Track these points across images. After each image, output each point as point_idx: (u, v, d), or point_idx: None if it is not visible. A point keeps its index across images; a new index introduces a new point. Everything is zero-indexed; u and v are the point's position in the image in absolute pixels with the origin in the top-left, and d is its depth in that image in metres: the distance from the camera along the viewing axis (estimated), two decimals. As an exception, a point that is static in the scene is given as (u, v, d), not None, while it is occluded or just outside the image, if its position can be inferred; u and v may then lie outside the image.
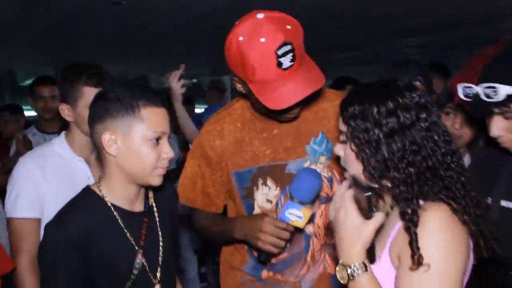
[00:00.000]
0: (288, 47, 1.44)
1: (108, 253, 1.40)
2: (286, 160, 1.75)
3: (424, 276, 1.13)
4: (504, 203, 1.55)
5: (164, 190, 1.62)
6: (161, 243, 1.52)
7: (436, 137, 1.24)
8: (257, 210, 1.81)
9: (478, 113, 1.47)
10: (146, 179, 1.42)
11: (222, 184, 1.83)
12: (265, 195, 1.77)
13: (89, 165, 2.02)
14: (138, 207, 1.51)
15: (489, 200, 1.57)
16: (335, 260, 1.78)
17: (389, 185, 1.26)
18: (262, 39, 1.43)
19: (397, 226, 1.25)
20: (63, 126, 3.41)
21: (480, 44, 1.59)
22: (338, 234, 1.24)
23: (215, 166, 1.81)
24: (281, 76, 1.45)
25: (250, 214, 1.81)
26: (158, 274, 1.50)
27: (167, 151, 1.40)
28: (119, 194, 1.44)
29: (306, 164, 1.77)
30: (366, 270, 1.18)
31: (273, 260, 1.79)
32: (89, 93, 1.88)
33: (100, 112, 1.39)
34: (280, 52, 1.43)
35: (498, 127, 1.46)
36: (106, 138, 1.37)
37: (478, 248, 1.26)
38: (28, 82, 11.03)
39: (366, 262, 1.19)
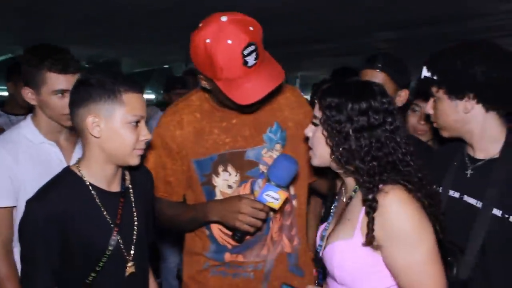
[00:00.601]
0: (253, 47, 1.55)
1: (85, 230, 1.48)
2: (245, 147, 1.85)
3: (407, 247, 1.32)
4: (451, 192, 1.69)
5: (140, 172, 1.72)
6: (135, 223, 1.61)
7: (398, 139, 1.42)
8: (218, 195, 1.89)
9: (420, 90, 1.72)
10: (126, 159, 1.52)
11: (182, 172, 1.90)
12: (226, 181, 1.86)
13: (60, 147, 2.00)
14: (115, 187, 1.59)
15: (440, 189, 1.72)
16: (291, 240, 1.93)
17: (353, 170, 1.43)
18: (229, 41, 1.53)
19: (363, 209, 1.40)
20: (30, 108, 3.34)
21: (450, 42, 1.70)
22: None
23: (175, 156, 1.88)
24: (246, 73, 1.57)
25: (209, 199, 1.89)
26: (132, 252, 1.59)
27: (145, 134, 1.52)
28: (98, 174, 1.54)
29: (263, 152, 1.88)
30: None
31: (235, 243, 1.87)
32: (53, 79, 1.86)
33: (83, 97, 1.47)
34: (245, 52, 1.54)
35: (429, 106, 1.70)
36: (90, 121, 1.45)
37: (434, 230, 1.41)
38: (-5, 61, 10.73)
39: None
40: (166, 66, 13.67)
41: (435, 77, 1.62)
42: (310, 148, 1.54)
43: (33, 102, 1.94)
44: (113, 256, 1.52)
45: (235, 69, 1.56)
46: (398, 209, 1.33)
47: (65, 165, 1.90)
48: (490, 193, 1.52)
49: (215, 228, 1.89)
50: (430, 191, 1.43)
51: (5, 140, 1.95)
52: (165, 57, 12.25)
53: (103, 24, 7.28)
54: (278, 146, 1.88)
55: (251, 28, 1.56)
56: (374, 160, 1.38)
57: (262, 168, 1.85)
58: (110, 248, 1.51)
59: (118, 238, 1.54)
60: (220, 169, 1.84)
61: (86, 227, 1.48)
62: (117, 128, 1.47)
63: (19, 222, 1.49)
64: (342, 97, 1.41)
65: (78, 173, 1.52)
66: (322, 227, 1.65)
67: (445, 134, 1.70)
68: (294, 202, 1.94)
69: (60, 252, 1.45)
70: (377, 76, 2.18)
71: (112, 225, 1.53)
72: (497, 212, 1.50)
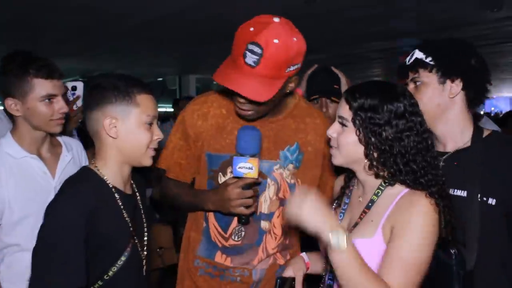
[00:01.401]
0: (258, 50, 1.55)
1: (110, 230, 1.51)
2: (260, 158, 1.83)
3: (406, 242, 1.34)
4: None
5: (137, 176, 1.76)
6: (145, 224, 1.68)
7: (429, 141, 1.45)
8: None
9: (400, 77, 1.75)
10: (140, 159, 1.58)
11: (194, 159, 1.93)
12: None
13: (42, 160, 1.95)
14: (128, 189, 1.64)
15: None
16: (284, 255, 1.94)
17: (384, 173, 1.44)
18: (251, 29, 1.57)
19: (392, 204, 1.42)
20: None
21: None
22: (313, 219, 1.33)
23: (191, 143, 1.91)
24: (240, 67, 1.58)
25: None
26: (145, 251, 1.65)
27: (158, 134, 1.58)
28: (116, 176, 1.58)
29: (275, 167, 1.86)
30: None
31: (227, 244, 1.88)
32: (40, 85, 1.84)
33: (97, 100, 1.52)
34: (249, 47, 1.55)
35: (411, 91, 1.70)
36: (107, 122, 1.51)
37: (444, 232, 1.43)
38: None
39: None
40: (160, 79, 13.73)
41: (428, 59, 1.66)
42: (330, 147, 1.55)
43: (17, 114, 1.88)
44: (131, 256, 1.55)
45: (237, 54, 1.58)
46: (422, 216, 1.36)
47: (49, 177, 1.92)
48: (474, 180, 1.57)
49: (211, 224, 1.91)
50: (449, 194, 1.45)
51: None
52: (159, 70, 12.31)
53: (96, 36, 7.31)
54: (291, 166, 1.88)
55: (275, 41, 1.54)
56: (412, 162, 1.40)
57: (270, 182, 1.87)
58: (128, 248, 1.54)
59: (136, 240, 1.59)
60: (228, 170, 1.84)
61: (110, 226, 1.51)
62: (133, 128, 1.52)
63: (46, 222, 1.45)
64: (375, 97, 1.41)
65: (99, 174, 1.55)
66: None
67: None
68: None
69: (84, 251, 1.45)
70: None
71: (131, 228, 1.57)
72: (479, 197, 1.55)
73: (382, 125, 1.39)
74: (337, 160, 1.52)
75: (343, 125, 1.48)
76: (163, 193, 1.98)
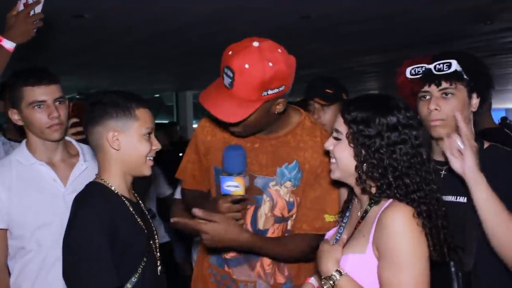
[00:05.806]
0: (230, 73, 1.64)
1: (129, 236, 1.60)
2: (256, 173, 1.89)
3: (395, 267, 1.33)
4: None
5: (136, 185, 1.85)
6: (153, 228, 1.78)
7: (424, 156, 1.42)
8: None
9: (424, 81, 1.74)
10: (140, 169, 1.68)
11: (206, 171, 2.05)
12: None
13: (53, 167, 2.00)
14: (132, 197, 1.74)
15: None
16: (281, 272, 1.95)
17: (372, 186, 1.44)
18: (230, 52, 1.66)
19: (374, 225, 1.40)
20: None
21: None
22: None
23: (201, 157, 2.04)
24: (220, 87, 1.70)
25: None
26: (158, 252, 1.74)
27: (156, 144, 1.69)
28: (122, 186, 1.67)
29: (271, 183, 1.88)
30: (341, 274, 1.40)
31: (228, 256, 1.94)
32: (28, 92, 1.91)
33: (99, 115, 1.62)
34: (225, 70, 1.66)
35: (434, 103, 1.71)
36: (110, 135, 1.61)
37: (435, 252, 1.41)
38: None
39: (340, 269, 1.41)
40: (157, 95, 13.78)
41: (465, 74, 1.69)
42: (330, 160, 1.55)
43: (19, 123, 1.98)
44: (149, 259, 1.64)
45: (220, 74, 1.69)
46: (400, 230, 1.34)
47: (60, 184, 1.97)
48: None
49: None
50: (445, 211, 1.43)
51: None
52: (156, 86, 12.34)
53: (91, 54, 7.33)
54: (288, 184, 1.89)
55: (246, 66, 1.61)
56: (404, 176, 1.39)
57: (265, 198, 1.90)
58: (147, 251, 1.64)
59: (151, 242, 1.69)
60: None
61: (129, 233, 1.60)
62: (134, 141, 1.63)
63: (70, 231, 1.52)
64: (368, 111, 1.42)
65: (107, 185, 1.64)
66: (330, 233, 1.67)
67: (444, 130, 1.70)
68: None
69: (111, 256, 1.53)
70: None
71: (146, 231, 1.67)
72: None
73: (372, 137, 1.40)
74: (335, 174, 1.54)
75: (338, 138, 1.49)
76: (184, 201, 2.26)
